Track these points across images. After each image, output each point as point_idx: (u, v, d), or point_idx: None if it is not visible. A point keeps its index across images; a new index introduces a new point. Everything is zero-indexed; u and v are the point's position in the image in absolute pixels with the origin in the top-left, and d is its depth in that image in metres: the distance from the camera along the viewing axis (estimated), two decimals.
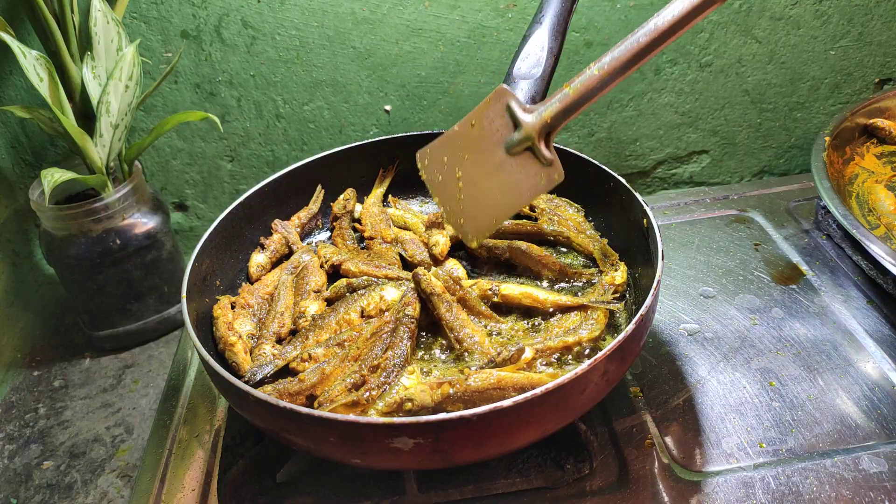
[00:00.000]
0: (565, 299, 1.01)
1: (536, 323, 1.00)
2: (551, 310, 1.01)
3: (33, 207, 1.13)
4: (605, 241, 1.12)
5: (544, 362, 0.93)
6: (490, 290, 1.03)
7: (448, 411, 0.81)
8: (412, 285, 1.01)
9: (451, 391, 0.85)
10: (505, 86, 0.94)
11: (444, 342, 0.98)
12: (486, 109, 0.95)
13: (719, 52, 1.38)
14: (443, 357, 0.96)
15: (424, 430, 0.74)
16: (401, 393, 0.85)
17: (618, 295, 1.01)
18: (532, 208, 1.20)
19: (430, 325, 1.00)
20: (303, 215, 1.24)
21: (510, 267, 1.13)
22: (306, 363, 0.95)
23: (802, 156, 1.52)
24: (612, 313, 1.00)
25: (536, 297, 1.02)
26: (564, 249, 1.15)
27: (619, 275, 1.03)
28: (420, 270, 1.00)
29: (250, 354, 0.99)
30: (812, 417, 0.94)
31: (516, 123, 0.91)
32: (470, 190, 0.98)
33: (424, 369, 0.93)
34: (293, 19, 1.28)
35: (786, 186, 1.44)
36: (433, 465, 0.82)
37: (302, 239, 1.23)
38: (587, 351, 0.94)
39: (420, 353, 0.97)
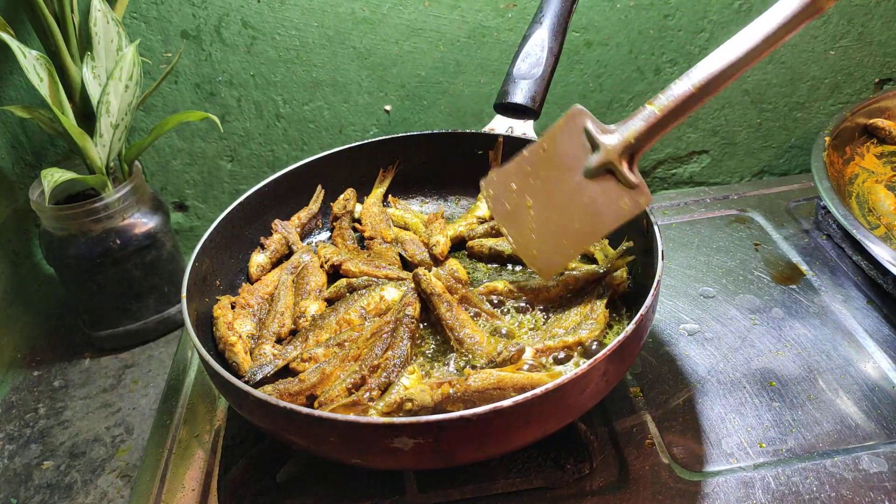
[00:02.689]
0: (577, 273, 1.03)
1: (538, 320, 1.00)
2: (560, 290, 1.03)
3: (33, 207, 1.13)
4: (606, 241, 1.11)
5: (549, 360, 0.93)
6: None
7: (448, 411, 0.81)
8: (412, 285, 1.01)
9: (450, 391, 0.85)
10: (580, 106, 0.88)
11: (438, 339, 0.98)
12: (559, 132, 0.88)
13: None
14: (443, 357, 0.96)
15: (424, 430, 0.73)
16: (401, 393, 0.85)
17: (622, 279, 1.02)
18: None
19: (430, 326, 1.00)
20: (303, 215, 1.24)
21: (512, 263, 1.13)
22: (306, 363, 0.95)
23: (802, 156, 1.52)
24: (610, 314, 1.00)
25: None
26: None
27: (622, 285, 1.02)
28: (420, 271, 1.01)
29: (250, 354, 0.99)
30: (812, 417, 0.94)
31: (594, 145, 0.85)
32: (543, 218, 0.91)
33: (424, 369, 0.93)
34: (293, 19, 1.28)
35: (786, 186, 1.44)
36: (433, 465, 0.82)
37: (302, 239, 1.23)
38: (594, 346, 0.93)
39: (421, 357, 0.97)
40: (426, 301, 0.99)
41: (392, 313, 0.98)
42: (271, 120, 1.36)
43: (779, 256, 1.25)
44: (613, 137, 0.84)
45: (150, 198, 1.20)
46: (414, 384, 0.87)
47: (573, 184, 0.87)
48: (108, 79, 1.07)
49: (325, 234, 1.28)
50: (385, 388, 0.89)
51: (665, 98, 0.80)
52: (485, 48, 1.34)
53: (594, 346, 0.93)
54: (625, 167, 0.84)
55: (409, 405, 0.84)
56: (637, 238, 1.04)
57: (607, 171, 0.85)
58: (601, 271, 1.03)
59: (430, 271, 1.02)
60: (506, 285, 1.04)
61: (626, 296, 1.03)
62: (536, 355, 0.92)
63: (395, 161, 1.30)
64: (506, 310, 1.02)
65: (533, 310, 1.02)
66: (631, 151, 0.83)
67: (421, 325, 1.00)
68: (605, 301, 0.99)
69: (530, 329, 0.99)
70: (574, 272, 1.04)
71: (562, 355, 0.93)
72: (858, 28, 1.39)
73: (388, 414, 0.84)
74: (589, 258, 1.12)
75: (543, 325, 0.99)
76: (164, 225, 1.20)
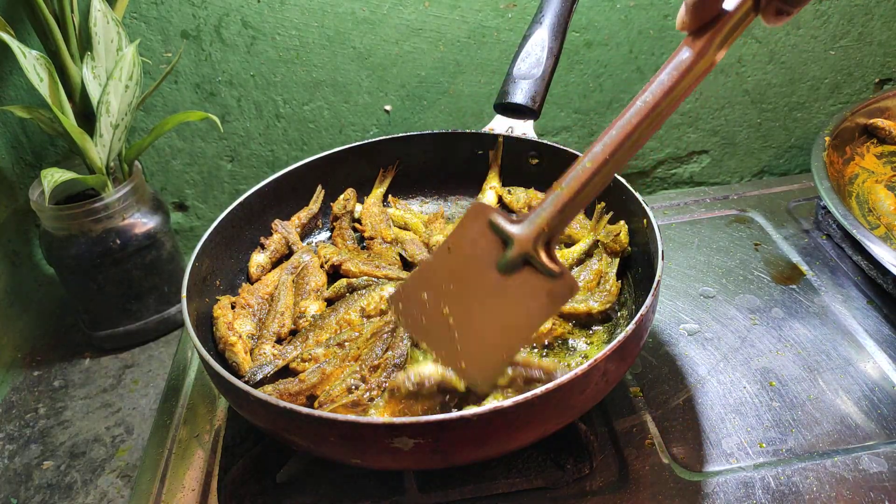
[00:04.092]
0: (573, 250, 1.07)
1: None
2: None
3: (33, 207, 1.13)
4: (582, 215, 1.16)
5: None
6: None
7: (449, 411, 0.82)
8: None
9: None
10: (480, 201, 0.83)
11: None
12: (463, 230, 0.82)
13: None
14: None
15: (424, 430, 0.73)
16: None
17: (622, 242, 1.05)
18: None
19: None
20: (303, 215, 1.24)
21: None
22: (306, 363, 0.95)
23: (802, 156, 1.52)
24: (620, 291, 1.01)
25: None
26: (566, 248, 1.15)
27: (622, 234, 1.05)
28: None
29: (250, 354, 0.99)
30: (812, 417, 0.94)
31: (506, 239, 0.78)
32: (465, 327, 0.82)
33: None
34: (293, 19, 1.28)
35: (786, 186, 1.44)
36: (433, 465, 0.82)
37: (302, 239, 1.23)
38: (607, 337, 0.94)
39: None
40: None
41: (391, 314, 0.98)
42: (271, 120, 1.36)
43: (779, 256, 1.25)
44: (524, 227, 0.78)
45: (150, 198, 1.20)
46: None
47: (490, 283, 0.80)
48: (108, 79, 1.07)
49: (325, 234, 1.28)
50: (385, 388, 0.89)
51: (570, 177, 0.75)
52: (485, 48, 1.34)
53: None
54: (543, 256, 0.77)
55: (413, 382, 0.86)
56: (637, 238, 1.04)
57: (525, 262, 0.78)
58: (592, 240, 1.06)
59: None
60: None
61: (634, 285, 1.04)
62: (546, 334, 0.94)
63: (395, 161, 1.30)
64: None
65: None
66: (546, 238, 0.77)
67: None
68: (615, 268, 1.02)
69: None
70: (569, 250, 1.08)
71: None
72: (858, 28, 1.39)
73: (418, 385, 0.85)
74: (570, 243, 1.14)
75: None
76: (164, 225, 1.20)
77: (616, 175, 1.08)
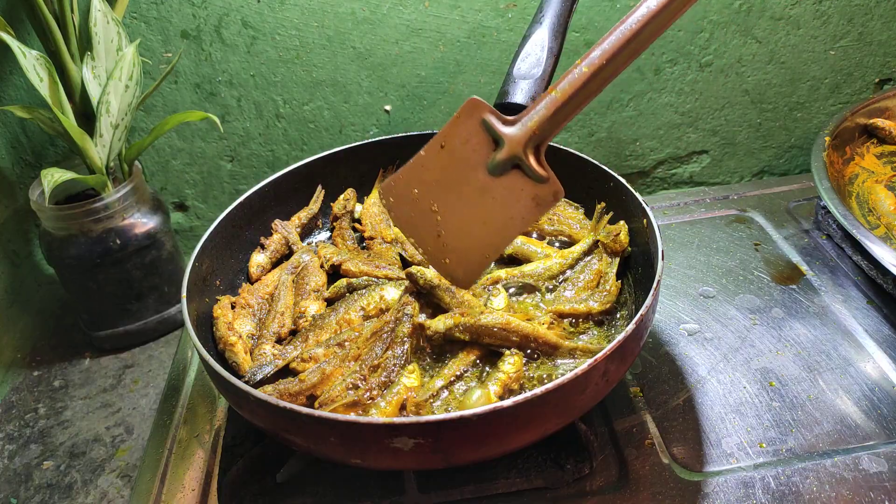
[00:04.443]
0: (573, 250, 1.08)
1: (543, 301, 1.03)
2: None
3: (33, 207, 1.13)
4: (582, 214, 1.17)
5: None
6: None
7: (448, 411, 0.82)
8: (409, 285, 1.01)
9: (462, 320, 0.89)
10: (477, 98, 0.81)
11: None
12: (455, 127, 0.82)
13: (719, 52, 1.38)
14: (443, 357, 0.96)
15: (424, 430, 0.74)
16: (420, 321, 0.92)
17: (621, 241, 1.05)
18: None
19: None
20: (303, 215, 1.24)
21: (512, 262, 1.13)
22: (306, 363, 0.95)
23: (802, 156, 1.52)
24: (620, 291, 1.02)
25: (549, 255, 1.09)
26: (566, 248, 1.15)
27: (622, 234, 1.05)
28: (413, 269, 1.00)
29: (250, 354, 0.99)
30: (812, 417, 0.94)
31: (497, 139, 0.79)
32: (452, 224, 0.84)
33: (424, 368, 0.93)
34: (293, 19, 1.28)
35: (786, 186, 1.44)
36: (433, 465, 0.82)
37: (302, 239, 1.23)
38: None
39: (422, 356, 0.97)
40: (429, 295, 0.98)
41: (392, 313, 0.98)
42: (271, 120, 1.36)
43: (779, 256, 1.25)
44: (516, 129, 0.78)
45: (150, 198, 1.20)
46: (415, 383, 0.88)
47: (479, 183, 0.81)
48: (108, 79, 1.07)
49: (325, 234, 1.28)
50: (385, 388, 0.89)
51: (566, 82, 0.75)
52: (485, 48, 1.34)
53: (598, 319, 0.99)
54: (532, 160, 0.78)
55: (428, 332, 0.91)
56: (637, 238, 1.04)
57: (514, 166, 0.79)
58: (591, 240, 1.07)
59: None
60: (508, 273, 1.05)
61: (634, 284, 1.04)
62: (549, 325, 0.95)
63: (395, 161, 1.30)
64: (510, 293, 1.04)
65: (533, 292, 1.03)
66: (536, 142, 0.78)
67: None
68: (615, 268, 1.02)
69: (535, 306, 1.01)
70: (569, 250, 1.09)
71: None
72: (858, 28, 1.39)
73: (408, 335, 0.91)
74: (570, 243, 1.14)
75: (553, 293, 1.03)
76: (164, 225, 1.20)
77: (616, 175, 1.08)
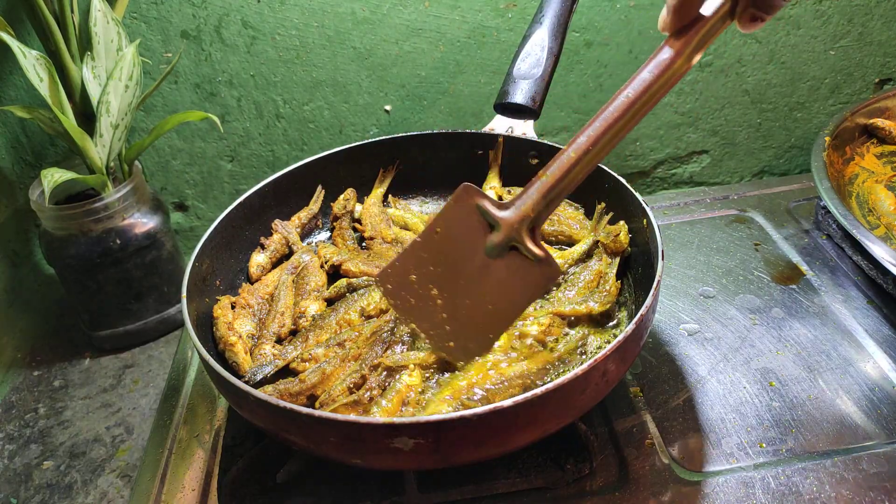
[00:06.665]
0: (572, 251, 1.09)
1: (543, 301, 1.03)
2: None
3: (33, 207, 1.13)
4: (582, 214, 1.17)
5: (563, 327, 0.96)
6: None
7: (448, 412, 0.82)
8: None
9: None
10: (469, 184, 0.84)
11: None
12: (450, 213, 0.84)
13: (719, 52, 1.38)
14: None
15: (424, 430, 0.73)
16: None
17: (622, 241, 1.05)
18: None
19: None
20: (303, 215, 1.24)
21: None
22: (307, 363, 0.95)
23: (802, 156, 1.52)
24: (620, 291, 1.02)
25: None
26: (566, 248, 1.15)
27: (622, 234, 1.05)
28: None
29: (250, 354, 0.99)
30: (812, 417, 0.94)
31: (492, 224, 0.81)
32: (453, 307, 0.85)
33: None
34: (293, 19, 1.28)
35: (786, 186, 1.44)
36: (433, 465, 0.82)
37: (302, 239, 1.23)
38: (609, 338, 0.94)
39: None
40: None
41: (392, 313, 0.98)
42: (271, 120, 1.36)
43: (779, 256, 1.25)
44: (510, 212, 0.81)
45: (150, 198, 1.20)
46: (415, 382, 0.88)
47: (477, 266, 0.83)
48: (108, 79, 1.07)
49: (325, 234, 1.28)
50: (385, 388, 0.89)
51: (555, 167, 0.79)
52: (485, 48, 1.34)
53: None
54: (528, 242, 0.81)
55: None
56: (637, 238, 1.04)
57: (511, 247, 0.82)
58: (591, 240, 1.07)
59: None
60: None
61: (634, 284, 1.04)
62: (544, 332, 0.94)
63: (395, 161, 1.30)
64: None
65: None
66: (531, 224, 0.80)
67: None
68: (615, 269, 1.02)
69: (535, 306, 1.00)
70: (569, 250, 1.09)
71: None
72: (858, 28, 1.39)
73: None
74: (570, 243, 1.14)
75: (552, 294, 1.03)
76: (164, 225, 1.20)
77: (616, 175, 1.08)
